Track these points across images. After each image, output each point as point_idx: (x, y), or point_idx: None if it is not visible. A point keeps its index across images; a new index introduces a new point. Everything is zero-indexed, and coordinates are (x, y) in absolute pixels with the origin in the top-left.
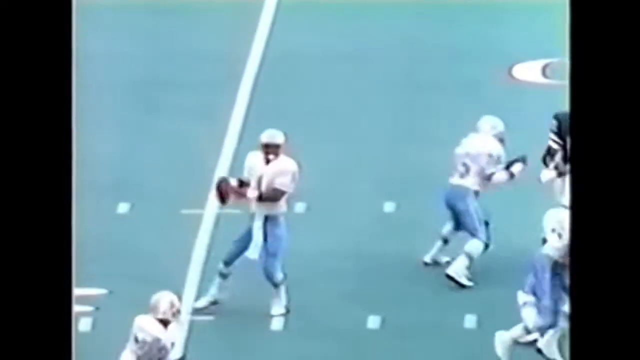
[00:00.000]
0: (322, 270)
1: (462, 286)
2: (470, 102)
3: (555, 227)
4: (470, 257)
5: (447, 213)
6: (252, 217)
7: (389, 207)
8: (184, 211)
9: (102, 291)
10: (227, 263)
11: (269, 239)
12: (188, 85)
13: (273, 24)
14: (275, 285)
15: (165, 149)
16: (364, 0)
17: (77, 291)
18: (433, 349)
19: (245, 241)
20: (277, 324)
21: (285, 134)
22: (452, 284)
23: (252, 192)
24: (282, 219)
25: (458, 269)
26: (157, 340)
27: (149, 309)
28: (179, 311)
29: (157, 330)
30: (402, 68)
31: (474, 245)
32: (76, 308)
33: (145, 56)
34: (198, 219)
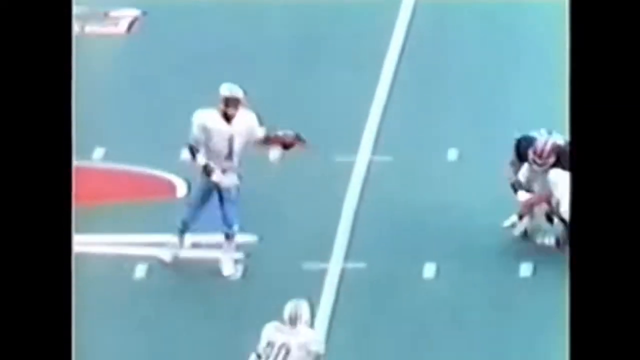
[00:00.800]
0: (476, 222)
1: None
2: None
3: None
4: None
5: None
6: (204, 170)
7: None
8: (337, 159)
9: (253, 238)
10: (185, 224)
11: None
12: (342, 37)
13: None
14: (228, 237)
15: (319, 98)
16: None
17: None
18: None
19: (200, 198)
20: (429, 271)
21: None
22: None
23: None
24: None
25: None
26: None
27: (287, 319)
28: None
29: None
30: None
31: None
32: (227, 255)
33: None
34: (350, 166)
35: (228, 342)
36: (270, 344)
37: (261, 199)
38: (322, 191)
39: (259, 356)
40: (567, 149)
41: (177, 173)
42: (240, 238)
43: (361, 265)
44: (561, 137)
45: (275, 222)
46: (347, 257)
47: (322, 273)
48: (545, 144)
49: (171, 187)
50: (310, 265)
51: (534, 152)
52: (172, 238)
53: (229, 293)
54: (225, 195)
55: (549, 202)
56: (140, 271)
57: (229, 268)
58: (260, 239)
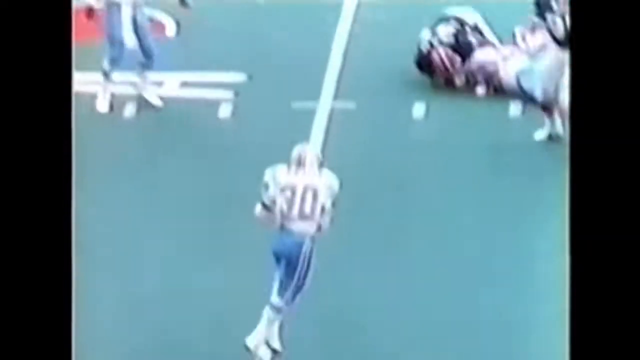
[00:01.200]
0: None
1: None
2: None
3: None
4: None
5: None
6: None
7: None
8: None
9: (242, 77)
10: (113, 61)
11: (139, 34)
12: None
13: None
14: (144, 67)
15: None
16: None
17: (216, 77)
18: None
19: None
20: (418, 111)
21: None
22: None
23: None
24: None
25: None
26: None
27: (295, 161)
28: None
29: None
30: None
31: None
32: (216, 94)
33: None
34: (339, 6)
35: (220, 181)
36: (289, 188)
37: (250, 38)
38: (311, 30)
39: (264, 205)
40: (463, 40)
41: (167, 13)
42: (228, 77)
43: (350, 104)
44: (449, 35)
45: (264, 61)
46: (336, 97)
47: (311, 112)
48: (441, 57)
49: (161, 27)
50: (299, 105)
51: (439, 69)
52: (100, 81)
53: (218, 132)
54: (139, 30)
55: (491, 81)
56: (129, 110)
57: (154, 98)
58: (249, 77)
